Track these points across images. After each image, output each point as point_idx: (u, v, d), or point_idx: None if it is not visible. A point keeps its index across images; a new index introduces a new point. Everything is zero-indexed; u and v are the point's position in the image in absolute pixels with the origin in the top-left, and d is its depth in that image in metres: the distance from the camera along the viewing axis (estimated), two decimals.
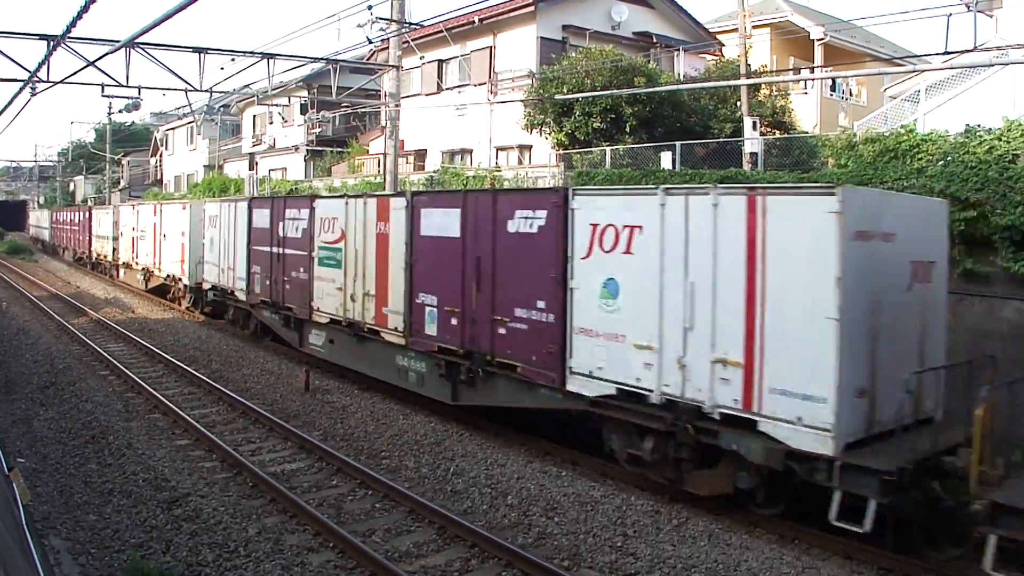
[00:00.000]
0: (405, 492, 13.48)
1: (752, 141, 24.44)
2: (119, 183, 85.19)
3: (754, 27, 34.24)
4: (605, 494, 13.84)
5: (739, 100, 28.67)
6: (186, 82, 27.07)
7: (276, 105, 44.85)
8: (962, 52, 18.51)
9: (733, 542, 12.19)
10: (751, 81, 27.82)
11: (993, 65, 22.62)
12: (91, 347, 25.96)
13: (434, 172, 35.74)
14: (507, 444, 16.89)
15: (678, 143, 26.70)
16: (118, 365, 23.06)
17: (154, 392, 19.93)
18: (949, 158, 18.98)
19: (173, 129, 76.07)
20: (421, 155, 42.20)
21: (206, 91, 29.32)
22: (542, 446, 16.63)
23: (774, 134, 29.63)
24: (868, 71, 35.78)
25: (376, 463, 15.35)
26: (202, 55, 25.82)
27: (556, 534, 12.22)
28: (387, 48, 30.15)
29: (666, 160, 26.22)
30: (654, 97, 28.69)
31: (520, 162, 35.73)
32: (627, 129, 28.94)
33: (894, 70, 30.72)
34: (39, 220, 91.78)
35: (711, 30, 42.99)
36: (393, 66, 29.01)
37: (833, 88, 40.21)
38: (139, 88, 31.18)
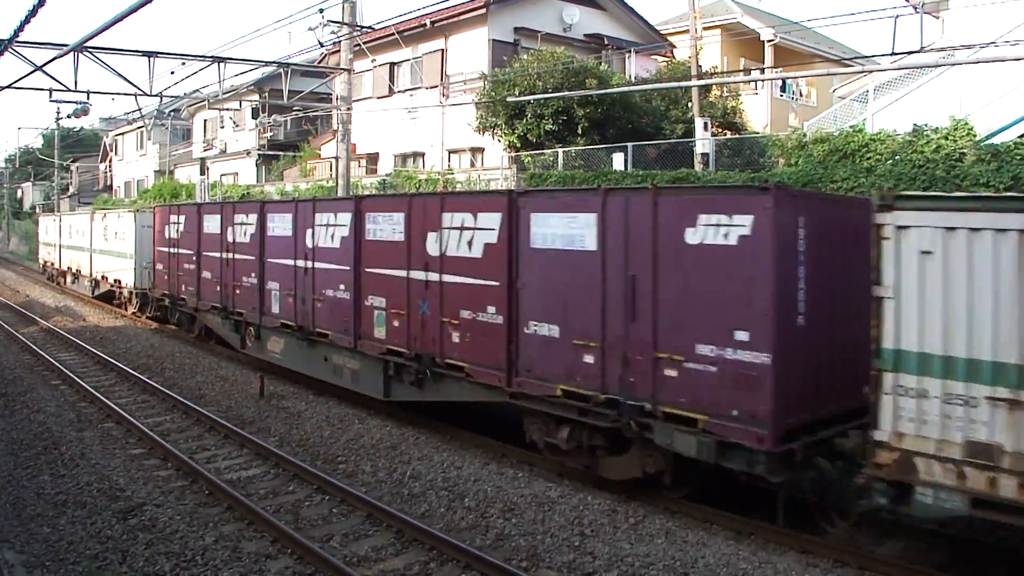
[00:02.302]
0: (362, 496, 13.43)
1: (703, 142, 24.65)
2: (68, 189, 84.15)
3: (705, 28, 34.53)
4: (562, 494, 13.87)
5: (690, 101, 28.88)
6: (136, 86, 26.88)
7: (227, 109, 44.49)
8: (909, 53, 18.78)
9: (690, 539, 12.25)
10: (702, 82, 28.05)
11: (940, 66, 22.96)
12: (42, 356, 25.60)
13: (387, 175, 35.69)
14: (463, 447, 16.89)
15: (630, 144, 26.91)
16: (70, 374, 22.74)
17: (107, 401, 19.69)
18: (897, 157, 19.32)
19: (123, 134, 75.13)
20: (373, 158, 42.12)
21: (156, 95, 29.08)
22: (499, 448, 16.64)
23: (725, 135, 29.94)
24: (818, 72, 36.18)
25: (333, 468, 15.28)
26: (152, 59, 25.66)
27: (514, 535, 12.23)
28: (339, 51, 30.07)
29: (618, 161, 26.40)
30: (606, 99, 28.85)
31: (472, 164, 35.79)
32: (579, 131, 29.09)
33: (843, 71, 31.05)
34: None
35: (662, 32, 43.28)
36: (345, 69, 28.94)
37: (783, 89, 40.59)
38: (88, 93, 30.77)
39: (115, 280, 36.53)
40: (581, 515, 12.98)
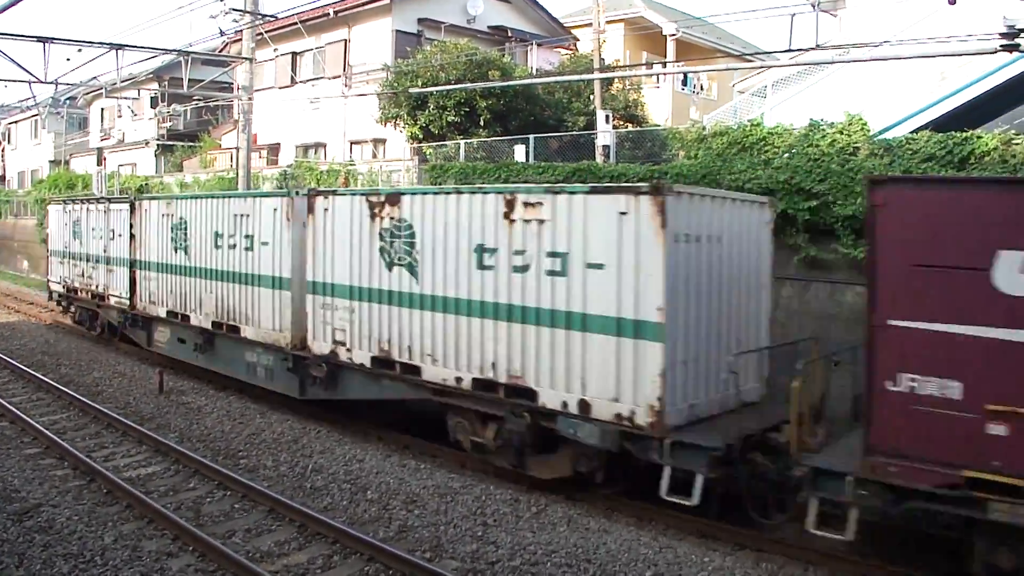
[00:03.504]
0: (264, 491, 13.35)
1: (605, 134, 24.87)
2: None
3: (608, 22, 34.83)
4: (464, 485, 13.99)
5: (593, 94, 29.12)
6: (30, 73, 26.21)
7: (125, 98, 43.66)
8: (807, 50, 19.19)
9: (592, 526, 12.46)
10: (605, 75, 28.34)
11: (836, 63, 23.50)
12: None
13: (288, 166, 35.34)
14: (366, 439, 16.93)
15: (532, 136, 27.08)
16: None
17: None
18: (794, 151, 19.74)
19: (16, 123, 72.97)
20: (275, 149, 41.70)
21: (51, 83, 28.46)
22: (401, 440, 16.76)
23: (627, 127, 30.21)
24: (718, 67, 36.84)
25: (234, 463, 15.15)
26: (47, 45, 24.97)
27: (417, 526, 12.29)
28: (240, 40, 29.62)
29: (520, 153, 26.55)
30: (508, 91, 28.97)
31: (374, 156, 35.62)
32: (481, 123, 29.19)
33: (743, 66, 31.72)
34: None
35: (566, 24, 43.54)
36: (246, 58, 28.54)
37: (684, 83, 41.17)
38: None
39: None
40: (484, 505, 13.10)
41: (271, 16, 29.49)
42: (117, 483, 13.65)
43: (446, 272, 14.83)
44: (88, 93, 51.55)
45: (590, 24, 31.62)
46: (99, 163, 42.70)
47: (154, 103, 44.23)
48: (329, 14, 36.87)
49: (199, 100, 41.07)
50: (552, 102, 31.73)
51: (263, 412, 18.70)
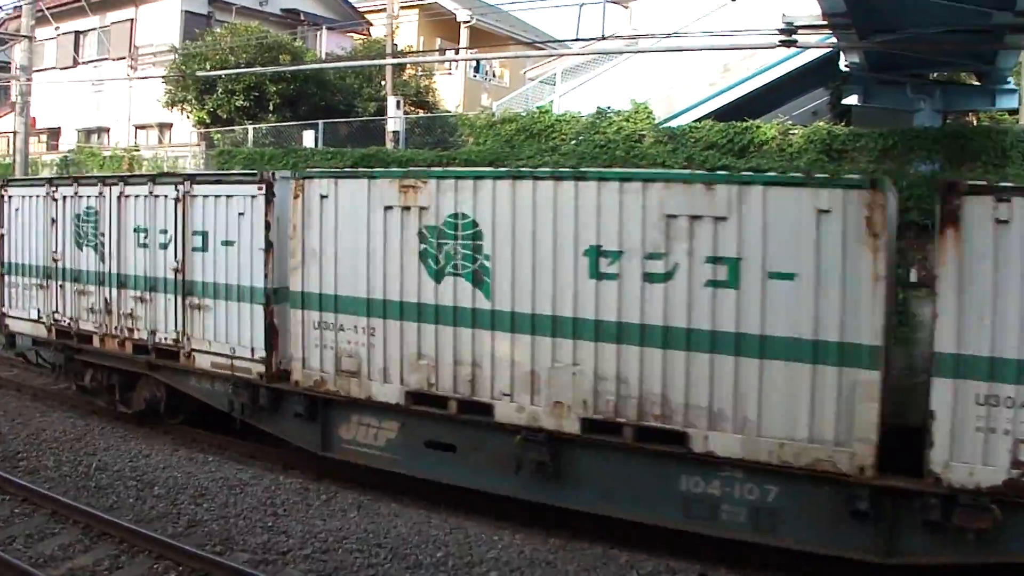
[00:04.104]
0: (45, 493, 12.81)
1: (396, 120, 24.92)
2: None
3: (402, 7, 34.92)
4: (254, 476, 13.83)
5: (385, 80, 29.14)
6: None
7: None
8: (596, 40, 19.74)
9: (382, 511, 12.53)
10: (397, 61, 28.41)
11: (624, 52, 24.22)
12: None
13: (69, 152, 33.95)
14: (151, 434, 16.44)
15: (321, 122, 26.92)
16: None
17: None
18: (581, 137, 20.30)
19: None
20: (55, 134, 39.96)
21: None
22: (189, 434, 16.38)
23: (418, 113, 30.36)
24: (510, 54, 37.28)
25: (13, 466, 14.45)
26: None
27: (207, 520, 12.08)
28: (19, 17, 28.28)
29: (308, 139, 26.40)
30: (299, 75, 28.66)
31: (160, 141, 34.63)
32: (271, 107, 28.85)
33: (535, 54, 32.26)
34: None
35: (360, 9, 43.27)
36: (25, 36, 27.27)
37: (477, 70, 41.56)
38: None
39: None
40: (273, 495, 13.00)
41: None
42: None
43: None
44: None
45: (384, 9, 31.55)
46: None
47: None
48: None
49: None
50: (343, 87, 31.62)
51: (43, 411, 17.91)
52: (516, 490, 12.04)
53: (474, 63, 40.58)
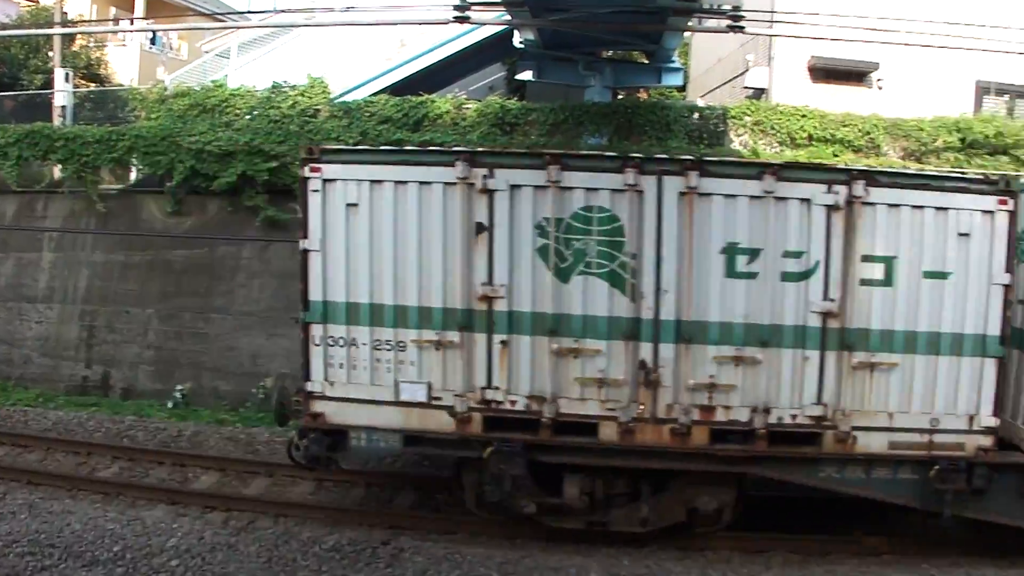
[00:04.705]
0: None
1: (63, 94, 23.60)
2: None
3: None
4: None
5: (53, 50, 27.52)
6: None
7: None
8: (273, 12, 19.42)
9: (55, 509, 12.17)
10: (66, 31, 26.96)
11: (300, 26, 23.95)
12: None
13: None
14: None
15: None
16: None
17: None
18: (256, 112, 19.97)
19: None
20: None
21: None
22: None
23: (89, 87, 28.90)
24: (186, 25, 36.12)
25: None
26: None
27: None
28: None
29: None
30: None
31: None
32: None
33: (212, 26, 31.40)
34: None
35: None
36: None
37: (153, 41, 39.91)
38: None
39: None
40: None
41: None
42: None
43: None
44: None
45: None
46: None
47: None
48: None
49: None
50: (8, 57, 29.84)
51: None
52: None
53: (150, 34, 38.97)
